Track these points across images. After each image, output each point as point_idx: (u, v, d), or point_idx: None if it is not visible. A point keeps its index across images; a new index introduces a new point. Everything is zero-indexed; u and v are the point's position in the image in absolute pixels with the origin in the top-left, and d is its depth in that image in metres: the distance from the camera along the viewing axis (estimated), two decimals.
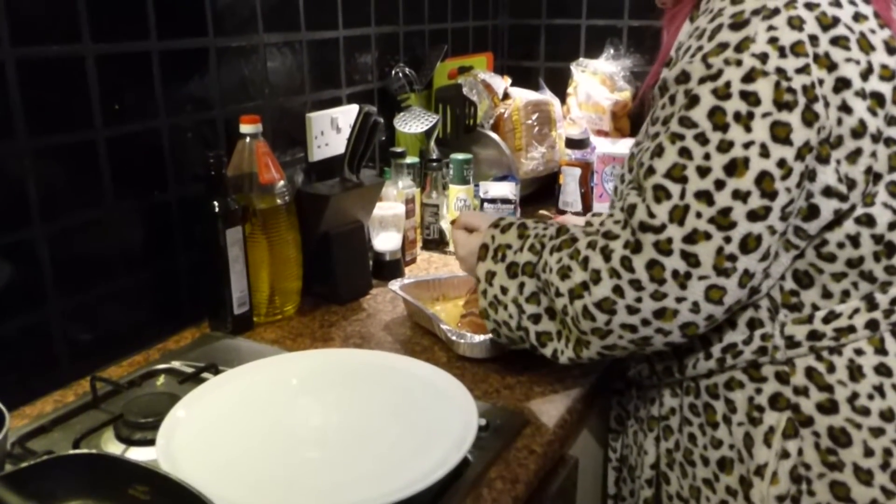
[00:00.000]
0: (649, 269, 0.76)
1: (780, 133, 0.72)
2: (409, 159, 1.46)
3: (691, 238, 0.74)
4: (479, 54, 1.88)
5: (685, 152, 0.75)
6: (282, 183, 1.18)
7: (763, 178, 0.73)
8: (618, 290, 0.78)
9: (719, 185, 0.73)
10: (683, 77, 0.76)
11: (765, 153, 0.72)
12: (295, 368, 0.95)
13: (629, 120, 1.84)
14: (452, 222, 1.12)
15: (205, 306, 1.17)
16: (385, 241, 1.37)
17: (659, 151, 0.77)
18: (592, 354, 0.86)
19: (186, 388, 0.94)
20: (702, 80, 0.74)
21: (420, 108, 1.57)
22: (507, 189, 1.52)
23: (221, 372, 0.99)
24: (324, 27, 1.38)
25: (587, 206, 1.71)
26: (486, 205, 1.52)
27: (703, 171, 0.74)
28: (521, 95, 1.71)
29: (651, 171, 0.77)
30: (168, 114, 1.10)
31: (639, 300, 0.77)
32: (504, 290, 0.93)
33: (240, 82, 1.22)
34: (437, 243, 1.53)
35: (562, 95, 1.86)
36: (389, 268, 1.38)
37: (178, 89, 1.11)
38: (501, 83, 1.71)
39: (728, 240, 0.74)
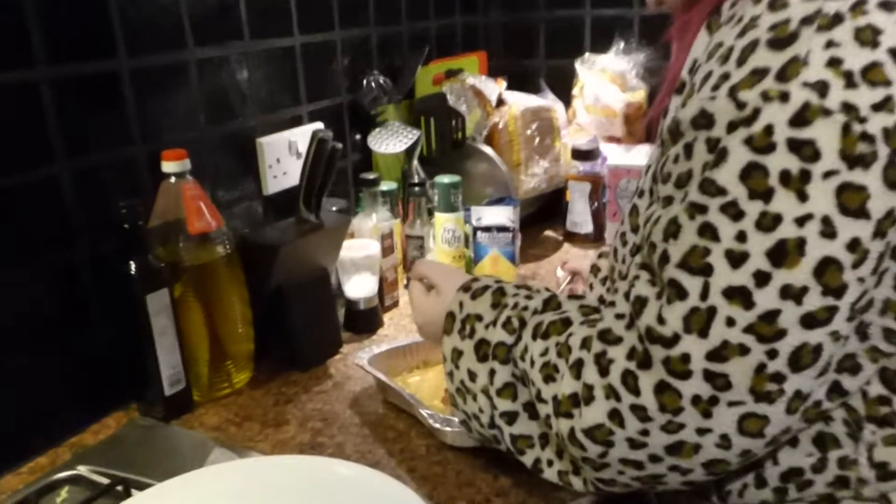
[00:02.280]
0: (659, 393, 0.55)
1: (852, 201, 0.49)
2: (385, 185, 1.24)
3: (719, 354, 0.53)
4: (470, 54, 1.65)
5: (708, 231, 0.53)
6: (221, 229, 0.97)
7: (826, 269, 0.50)
8: (616, 416, 0.58)
9: (761, 278, 0.51)
10: (704, 120, 0.53)
11: (829, 232, 0.49)
12: (218, 489, 0.73)
13: (645, 124, 1.61)
14: (407, 273, 0.89)
15: (132, 386, 0.96)
16: (358, 287, 1.15)
17: (674, 230, 0.55)
18: (587, 485, 0.65)
19: None
20: (731, 126, 0.52)
21: (399, 123, 1.34)
22: (503, 215, 1.29)
23: (131, 489, 0.78)
24: (274, 34, 1.16)
25: (599, 227, 1.48)
26: (479, 234, 1.30)
27: (736, 259, 0.52)
28: (519, 101, 1.48)
29: (665, 258, 0.55)
30: (68, 155, 0.88)
31: (644, 433, 0.57)
32: (472, 376, 0.72)
33: (165, 109, 1.00)
34: None
35: (566, 98, 1.62)
36: (364, 318, 1.16)
37: (80, 125, 0.90)
38: (495, 88, 1.48)
39: (773, 354, 0.52)
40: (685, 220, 0.54)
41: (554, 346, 0.65)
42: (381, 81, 1.37)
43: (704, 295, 0.53)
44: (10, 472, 0.85)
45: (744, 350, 0.52)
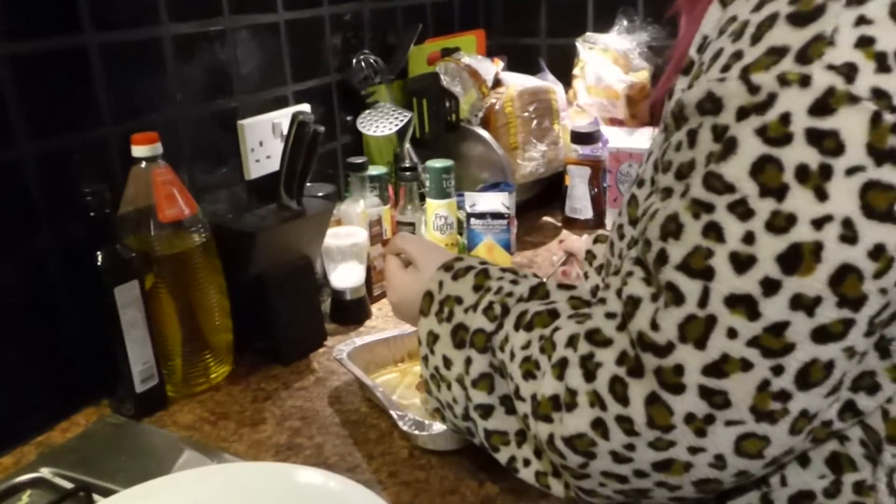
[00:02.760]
0: (649, 405, 0.50)
1: (878, 202, 0.43)
2: (374, 170, 1.18)
3: (717, 368, 0.47)
4: (467, 33, 1.59)
5: (713, 231, 0.47)
6: (196, 216, 0.91)
7: (844, 277, 0.44)
8: (600, 426, 0.52)
9: (769, 286, 0.45)
10: (711, 105, 0.47)
11: (850, 236, 0.43)
12: (183, 498, 0.68)
13: (648, 106, 1.54)
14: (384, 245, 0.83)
15: (101, 382, 0.91)
16: (344, 277, 1.09)
17: (674, 228, 0.49)
18: (569, 490, 0.60)
19: None
20: (742, 113, 0.45)
21: (390, 105, 1.29)
22: (498, 201, 1.24)
23: (93, 495, 0.73)
24: (256, 10, 1.10)
25: (599, 213, 1.43)
26: (473, 220, 1.24)
27: (742, 263, 0.45)
28: (516, 82, 1.42)
29: (662, 258, 0.49)
30: (31, 137, 0.83)
31: (630, 447, 0.51)
32: (447, 363, 0.67)
33: (139, 89, 0.95)
34: None
35: (566, 79, 1.56)
36: (352, 309, 1.11)
37: (45, 104, 0.84)
38: (491, 68, 1.42)
39: (779, 370, 0.46)
40: (687, 219, 0.48)
41: (537, 340, 0.59)
42: (373, 60, 1.30)
43: (704, 301, 0.47)
44: None
45: (746, 365, 0.46)
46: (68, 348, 0.90)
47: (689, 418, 0.48)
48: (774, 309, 0.45)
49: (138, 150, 0.87)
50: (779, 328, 0.45)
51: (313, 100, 1.22)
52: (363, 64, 1.29)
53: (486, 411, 0.65)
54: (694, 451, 0.49)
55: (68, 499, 0.73)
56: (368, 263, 1.12)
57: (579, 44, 1.56)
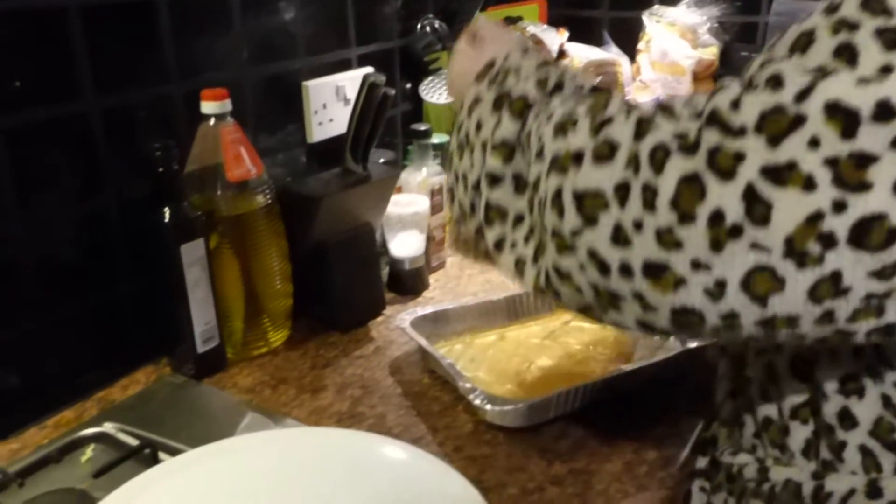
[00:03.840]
0: (684, 182, 0.44)
1: None
2: (437, 138, 1.16)
3: (778, 174, 0.41)
4: (530, 2, 1.54)
5: (846, 52, 0.41)
6: (262, 177, 0.90)
7: None
8: (622, 189, 0.46)
9: (885, 112, 0.40)
10: None
11: None
12: (250, 463, 0.66)
13: (714, 84, 1.49)
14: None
15: (163, 340, 0.90)
16: (404, 246, 1.07)
17: (805, 42, 0.43)
18: (539, 278, 0.54)
19: (111, 480, 0.68)
20: None
21: None
22: None
23: (159, 453, 0.72)
24: None
25: None
26: None
27: (865, 82, 0.40)
28: (581, 53, 1.38)
29: (775, 61, 0.44)
30: (98, 91, 0.82)
31: (637, 226, 0.45)
32: (479, 127, 0.61)
33: (205, 46, 0.93)
34: None
35: (631, 52, 1.51)
36: (410, 279, 1.09)
37: (111, 58, 0.83)
38: (556, 38, 1.38)
39: (840, 208, 0.40)
40: (823, 33, 0.43)
41: (585, 108, 0.53)
42: (437, 26, 1.27)
43: (802, 97, 0.41)
44: (34, 425, 0.80)
45: (810, 184, 0.41)
46: (129, 306, 0.89)
47: (716, 218, 0.43)
48: (875, 138, 0.40)
49: (207, 107, 0.85)
50: (865, 160, 0.40)
51: (375, 64, 1.19)
52: (427, 29, 1.26)
53: (494, 181, 0.59)
54: (697, 266, 0.44)
55: (133, 456, 0.73)
56: (428, 233, 1.10)
57: (646, 17, 1.51)
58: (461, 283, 1.13)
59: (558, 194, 0.50)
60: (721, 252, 0.43)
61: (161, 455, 0.73)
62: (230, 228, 0.88)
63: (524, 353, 0.90)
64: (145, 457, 0.73)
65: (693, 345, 0.86)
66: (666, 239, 0.44)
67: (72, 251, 0.83)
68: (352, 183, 0.94)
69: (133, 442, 0.75)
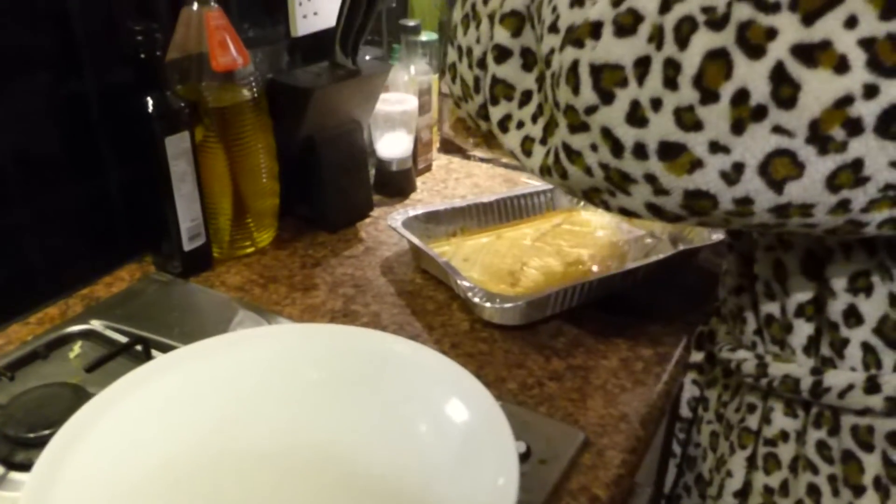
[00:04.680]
0: (709, 60, 0.41)
1: None
2: (426, 35, 1.11)
3: (808, 53, 0.39)
4: None
5: None
6: (248, 69, 0.85)
7: None
8: (642, 65, 0.44)
9: None
10: None
11: None
12: (252, 358, 0.65)
13: None
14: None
15: (147, 237, 0.87)
16: (391, 146, 1.05)
17: None
18: (547, 158, 0.52)
19: (103, 375, 0.66)
20: None
21: None
22: None
23: (151, 350, 0.71)
24: None
25: None
26: None
27: None
28: None
29: None
30: None
31: (656, 104, 0.43)
32: None
33: None
34: (458, 146, 1.21)
35: None
36: (397, 181, 1.06)
37: None
38: None
39: (872, 92, 0.39)
40: None
41: None
42: None
43: None
44: (18, 321, 0.78)
45: (842, 66, 0.39)
46: (112, 200, 0.86)
47: (741, 97, 0.41)
48: None
49: None
50: None
51: None
52: None
53: (501, 55, 0.56)
54: (715, 148, 0.42)
55: (125, 351, 0.71)
56: (416, 134, 1.07)
57: None
58: (448, 185, 1.11)
59: (574, 68, 0.46)
60: (742, 134, 0.41)
61: (154, 353, 0.72)
62: (216, 122, 0.85)
63: (516, 254, 0.90)
64: (137, 353, 0.72)
65: (685, 247, 0.86)
66: (685, 118, 0.42)
67: (51, 141, 0.79)
68: (342, 76, 0.90)
69: (122, 339, 0.74)
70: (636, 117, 0.44)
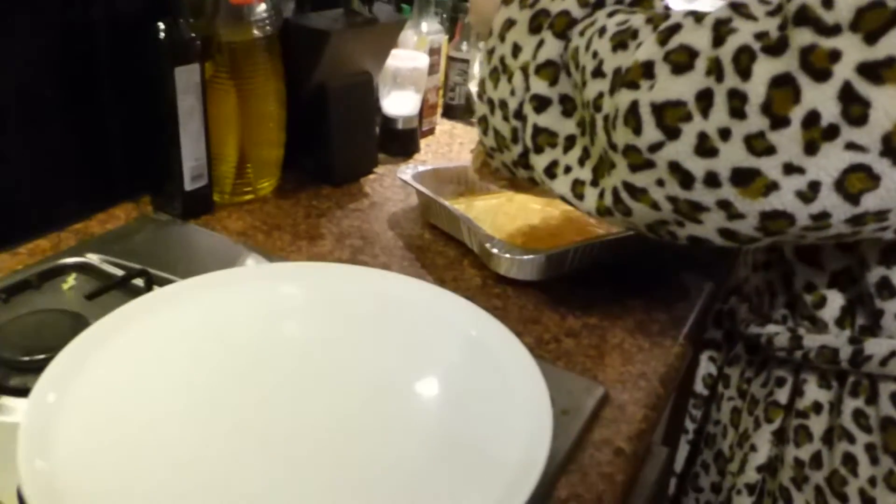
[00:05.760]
0: (775, 87, 0.42)
1: None
2: None
3: (875, 72, 0.40)
4: None
5: None
6: (262, 7, 0.82)
7: None
8: (705, 98, 0.44)
9: None
10: None
11: None
12: (264, 294, 0.62)
13: None
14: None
15: (146, 176, 0.84)
16: (398, 104, 1.02)
17: None
18: (608, 191, 0.52)
19: (101, 307, 0.63)
20: None
21: None
22: None
23: (154, 284, 0.67)
24: None
25: None
26: None
27: None
28: None
29: None
30: None
31: (724, 135, 0.44)
32: (516, 51, 0.58)
33: None
34: (462, 111, 1.19)
35: None
36: (401, 140, 1.04)
37: None
38: None
39: None
40: None
41: (641, 18, 0.50)
42: None
43: None
44: (6, 251, 0.74)
45: None
46: (113, 134, 0.82)
47: (811, 119, 0.41)
48: None
49: None
50: None
51: None
52: None
53: (541, 104, 0.56)
54: (790, 170, 0.43)
55: (125, 283, 0.67)
56: (423, 94, 1.05)
57: None
58: (452, 149, 1.09)
59: (633, 109, 0.47)
60: (815, 154, 0.42)
61: (156, 288, 0.68)
62: (227, 59, 0.81)
63: (526, 217, 0.88)
64: (137, 288, 0.68)
65: None
66: (756, 145, 0.43)
67: (53, 68, 0.75)
68: (359, 23, 0.87)
69: (120, 273, 0.70)
70: (705, 148, 0.45)
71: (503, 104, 0.59)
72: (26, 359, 0.57)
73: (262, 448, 0.49)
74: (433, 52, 1.06)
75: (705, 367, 0.71)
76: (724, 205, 0.46)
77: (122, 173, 0.84)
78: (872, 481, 0.54)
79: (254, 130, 0.87)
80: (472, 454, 0.49)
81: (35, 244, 0.76)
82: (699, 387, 0.71)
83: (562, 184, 0.57)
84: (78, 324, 0.61)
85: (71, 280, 0.71)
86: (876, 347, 0.53)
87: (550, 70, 0.56)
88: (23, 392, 0.54)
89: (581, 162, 0.56)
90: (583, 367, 0.65)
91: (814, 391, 0.58)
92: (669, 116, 0.46)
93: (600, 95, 0.51)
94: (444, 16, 1.10)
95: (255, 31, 0.82)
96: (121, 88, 0.81)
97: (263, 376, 0.55)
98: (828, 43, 0.41)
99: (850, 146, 0.41)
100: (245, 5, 0.80)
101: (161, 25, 0.74)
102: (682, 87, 0.45)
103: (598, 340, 0.69)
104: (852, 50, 0.40)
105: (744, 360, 0.66)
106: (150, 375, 0.54)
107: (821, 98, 0.41)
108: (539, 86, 0.56)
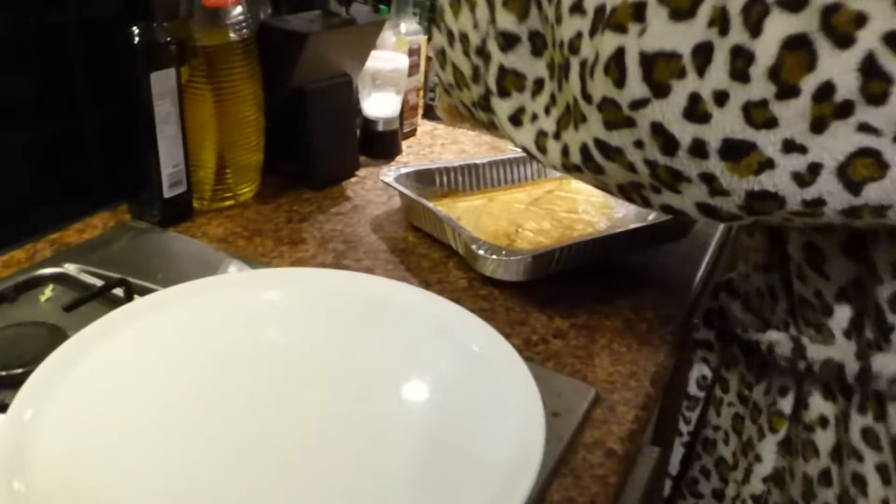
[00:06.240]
0: (789, 48, 0.36)
1: None
2: None
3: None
4: None
5: None
6: (238, 10, 0.81)
7: None
8: (702, 53, 0.38)
9: None
10: None
11: None
12: (249, 300, 0.61)
13: None
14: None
15: (123, 183, 0.82)
16: (379, 106, 1.01)
17: None
18: (574, 146, 0.47)
19: (79, 318, 0.61)
20: None
21: None
22: None
23: (134, 294, 0.66)
24: None
25: None
26: None
27: None
28: None
29: None
30: None
31: (721, 98, 0.38)
32: None
33: None
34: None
35: None
36: (382, 142, 1.03)
37: None
38: None
39: None
40: None
41: None
42: None
43: None
44: None
45: None
46: (88, 141, 0.80)
47: (825, 91, 0.36)
48: None
49: None
50: None
51: None
52: None
53: (508, 42, 0.50)
54: (790, 147, 0.38)
55: (104, 293, 0.66)
56: (403, 95, 1.04)
57: None
58: (434, 150, 1.08)
59: (618, 57, 0.41)
60: (821, 134, 0.37)
61: (136, 298, 0.67)
62: (204, 62, 0.80)
63: (510, 217, 0.87)
64: (116, 298, 0.67)
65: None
66: (756, 115, 0.38)
67: (26, 73, 0.73)
68: (337, 24, 0.86)
69: (98, 283, 0.69)
70: (696, 113, 0.39)
71: (464, 37, 0.52)
72: (3, 374, 0.56)
73: (250, 456, 0.48)
74: (412, 52, 1.05)
75: (699, 368, 0.68)
76: (709, 178, 0.41)
77: (99, 181, 0.83)
78: (885, 502, 0.51)
79: (232, 135, 0.85)
80: (464, 459, 0.48)
81: (10, 255, 0.74)
82: (693, 389, 0.69)
83: (525, 134, 0.50)
84: (56, 336, 0.59)
85: (48, 291, 0.70)
86: (884, 365, 0.50)
87: (520, 2, 0.49)
88: (0, 408, 0.53)
89: (547, 110, 0.49)
90: (572, 369, 0.65)
91: (819, 404, 0.54)
92: (660, 70, 0.39)
93: (578, 36, 0.44)
94: (423, 16, 1.09)
95: (232, 35, 0.80)
96: (96, 94, 0.79)
97: (250, 384, 0.54)
98: (855, 3, 0.36)
99: (864, 127, 0.36)
100: (220, 8, 0.78)
101: (135, 29, 0.72)
102: (679, 38, 0.39)
103: (587, 341, 0.69)
104: (880, 14, 0.35)
105: (742, 364, 0.64)
106: (131, 387, 0.53)
107: (839, 68, 0.36)
108: (506, 20, 0.49)
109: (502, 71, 0.51)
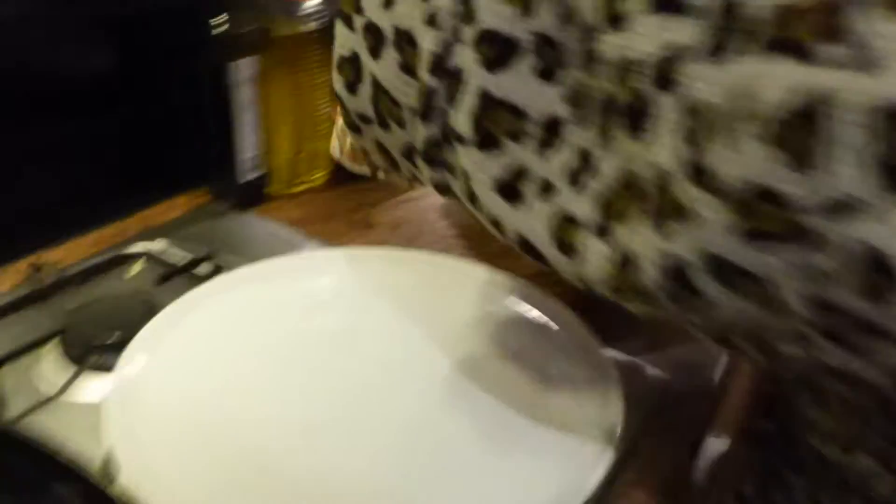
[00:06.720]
0: None
1: None
2: None
3: None
4: None
5: None
6: (315, 1, 0.83)
7: None
8: None
9: None
10: None
11: None
12: (334, 276, 0.63)
13: None
14: None
15: (203, 168, 0.85)
16: None
17: None
18: (650, 261, 0.29)
19: (168, 291, 0.64)
20: None
21: None
22: None
23: (220, 267, 0.69)
24: None
25: None
26: None
27: None
28: None
29: None
30: None
31: None
32: None
33: None
34: None
35: None
36: None
37: None
38: None
39: None
40: None
41: None
42: None
43: None
44: (75, 237, 0.76)
45: None
46: (171, 126, 0.83)
47: None
48: None
49: None
50: None
51: None
52: None
53: (499, 53, 0.33)
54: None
55: (194, 267, 0.69)
56: None
57: None
58: None
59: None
60: None
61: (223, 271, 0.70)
62: (282, 52, 0.83)
63: None
64: (203, 273, 0.69)
65: None
66: None
67: (106, 59, 0.76)
68: None
69: (185, 258, 0.71)
70: None
71: (406, 39, 0.33)
72: (106, 340, 0.59)
73: (354, 438, 0.50)
74: None
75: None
76: None
77: (183, 164, 0.86)
78: None
79: (307, 122, 0.88)
80: (542, 435, 0.49)
81: (101, 233, 0.77)
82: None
83: (531, 217, 0.33)
84: (150, 307, 0.62)
85: (137, 267, 0.73)
86: None
87: None
88: (102, 369, 0.56)
89: (573, 177, 0.31)
90: (641, 352, 0.65)
91: None
92: None
93: (666, 61, 0.25)
94: None
95: (308, 25, 0.83)
96: (179, 82, 0.82)
97: (344, 363, 0.56)
98: None
99: None
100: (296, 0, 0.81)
101: (217, 19, 0.75)
102: None
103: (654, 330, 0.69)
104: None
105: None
106: (226, 357, 0.55)
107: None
108: (497, 13, 0.30)
109: (487, 102, 0.32)
